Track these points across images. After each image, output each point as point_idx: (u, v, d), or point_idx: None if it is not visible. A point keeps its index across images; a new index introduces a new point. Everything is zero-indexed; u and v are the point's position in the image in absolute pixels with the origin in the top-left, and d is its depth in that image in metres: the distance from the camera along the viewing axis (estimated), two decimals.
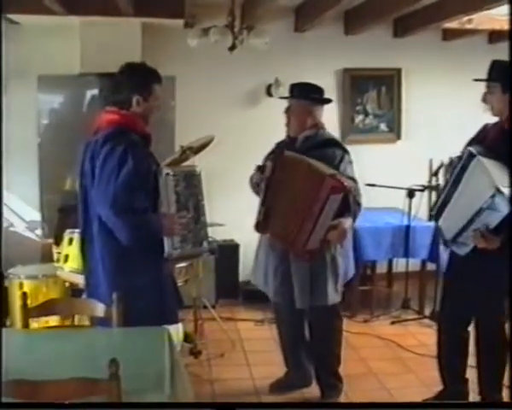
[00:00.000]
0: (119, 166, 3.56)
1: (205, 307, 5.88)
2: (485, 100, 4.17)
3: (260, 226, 4.44)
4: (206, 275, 6.06)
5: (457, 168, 4.10)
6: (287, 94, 4.63)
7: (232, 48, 5.71)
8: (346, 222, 4.17)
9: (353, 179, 4.32)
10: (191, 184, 3.86)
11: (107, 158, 3.59)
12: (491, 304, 4.23)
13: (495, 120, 4.21)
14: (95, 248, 3.81)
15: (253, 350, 5.71)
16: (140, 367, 2.80)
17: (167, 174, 3.72)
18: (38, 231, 6.72)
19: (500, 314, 4.26)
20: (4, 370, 2.48)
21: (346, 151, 4.43)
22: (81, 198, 3.87)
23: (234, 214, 6.65)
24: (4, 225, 6.49)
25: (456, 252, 4.15)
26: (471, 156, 4.00)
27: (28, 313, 3.43)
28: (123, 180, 3.53)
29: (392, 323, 6.38)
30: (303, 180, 4.16)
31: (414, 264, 6.69)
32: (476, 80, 4.22)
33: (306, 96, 4.48)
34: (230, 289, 7.00)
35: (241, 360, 5.50)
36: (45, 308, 3.53)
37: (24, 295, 3.46)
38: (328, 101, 4.63)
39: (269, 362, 5.30)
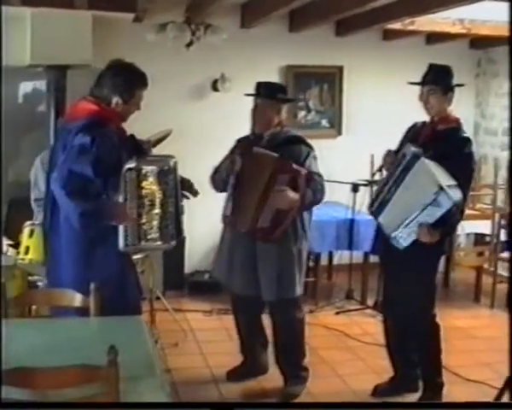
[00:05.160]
0: (82, 152, 3.64)
1: (158, 298, 5.96)
2: (425, 100, 4.43)
3: (228, 221, 4.57)
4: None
5: (400, 167, 4.33)
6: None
7: (189, 44, 5.78)
8: (292, 192, 4.27)
9: (318, 174, 4.48)
10: (161, 181, 3.81)
11: (74, 144, 3.67)
12: (417, 291, 4.46)
13: (423, 119, 4.54)
14: (60, 239, 3.86)
15: (205, 340, 5.81)
16: (129, 354, 2.83)
17: (130, 169, 3.74)
18: None
19: (427, 301, 4.51)
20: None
21: (311, 148, 4.56)
22: (49, 188, 3.91)
23: None
24: None
25: (395, 245, 4.29)
26: (415, 157, 4.23)
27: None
28: (82, 166, 3.62)
29: (337, 313, 6.58)
30: (265, 172, 4.33)
31: (357, 256, 6.91)
32: (412, 83, 4.50)
33: (273, 95, 4.58)
34: (176, 280, 7.10)
35: (195, 350, 5.60)
36: (23, 299, 3.59)
37: None
38: (292, 100, 4.77)
39: (223, 351, 5.47)
